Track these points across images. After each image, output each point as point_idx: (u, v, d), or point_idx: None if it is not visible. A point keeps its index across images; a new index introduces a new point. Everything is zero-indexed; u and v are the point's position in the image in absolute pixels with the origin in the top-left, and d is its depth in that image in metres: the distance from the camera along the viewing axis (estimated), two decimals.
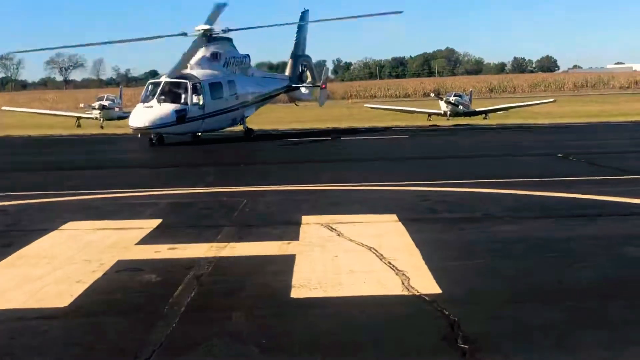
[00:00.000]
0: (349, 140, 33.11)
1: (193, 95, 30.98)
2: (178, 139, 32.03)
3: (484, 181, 16.52)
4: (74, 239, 11.02)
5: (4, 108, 61.00)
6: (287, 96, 42.60)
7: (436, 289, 7.85)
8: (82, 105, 55.39)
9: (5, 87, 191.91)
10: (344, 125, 43.92)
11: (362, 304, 7.50)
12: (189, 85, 31.05)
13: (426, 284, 8.06)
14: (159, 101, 30.27)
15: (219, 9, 34.89)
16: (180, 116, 30.38)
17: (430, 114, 49.19)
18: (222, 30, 34.81)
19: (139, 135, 31.01)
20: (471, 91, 60.72)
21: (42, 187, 17.56)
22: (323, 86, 42.30)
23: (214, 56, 33.85)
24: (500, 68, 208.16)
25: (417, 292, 7.78)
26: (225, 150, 29.39)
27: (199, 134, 32.37)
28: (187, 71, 32.47)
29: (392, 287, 8.01)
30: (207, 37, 33.88)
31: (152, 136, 30.19)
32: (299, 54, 42.33)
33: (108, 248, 10.25)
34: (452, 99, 48.44)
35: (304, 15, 42.82)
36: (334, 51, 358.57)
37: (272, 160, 25.05)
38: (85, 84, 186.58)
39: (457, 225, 11.62)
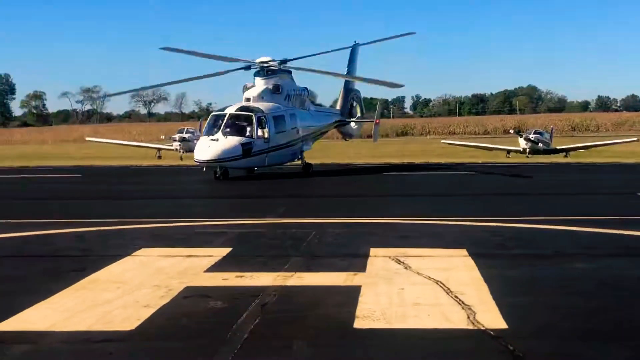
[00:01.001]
0: (421, 175, 32.94)
1: (258, 129, 30.34)
2: (239, 173, 31.47)
3: (559, 218, 16.20)
4: (145, 265, 11.21)
5: (87, 139, 62.76)
6: (337, 131, 41.58)
7: (502, 324, 7.72)
8: (162, 137, 56.58)
9: (91, 119, 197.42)
10: (419, 160, 43.76)
11: (426, 336, 7.42)
12: (254, 118, 30.39)
13: (492, 318, 7.93)
14: (225, 134, 29.60)
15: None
16: (246, 150, 29.74)
17: (509, 151, 48.72)
18: (279, 62, 34.21)
19: (204, 169, 30.18)
20: (552, 129, 59.92)
21: (118, 215, 17.93)
22: (377, 121, 41.64)
23: (276, 89, 33.24)
24: (584, 106, 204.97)
25: (483, 326, 7.66)
26: (292, 183, 29.29)
27: (255, 169, 31.91)
28: (251, 104, 31.93)
29: (457, 320, 7.90)
30: (266, 70, 33.57)
31: (217, 169, 29.44)
32: (349, 88, 41.21)
33: (177, 274, 10.40)
34: (532, 136, 47.92)
35: (354, 48, 41.96)
36: (413, 87, 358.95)
37: (340, 193, 24.99)
38: (168, 117, 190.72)
39: (528, 261, 11.42)
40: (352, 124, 40.85)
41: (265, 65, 33.59)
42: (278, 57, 34.61)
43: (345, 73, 40.88)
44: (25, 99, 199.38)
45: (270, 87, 33.10)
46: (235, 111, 30.83)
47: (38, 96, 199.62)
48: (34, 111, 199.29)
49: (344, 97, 40.62)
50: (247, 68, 34.14)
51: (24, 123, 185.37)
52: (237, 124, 30.34)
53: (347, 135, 42.04)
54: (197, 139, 52.02)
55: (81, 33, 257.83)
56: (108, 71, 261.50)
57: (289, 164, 34.72)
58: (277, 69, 33.87)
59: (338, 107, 40.38)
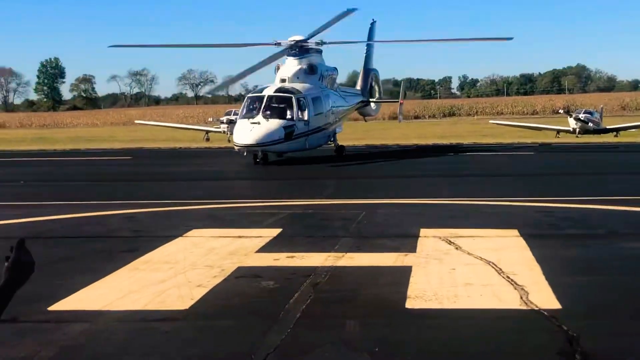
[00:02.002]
0: (471, 156, 32.66)
1: (298, 111, 28.85)
2: (273, 157, 29.77)
3: (611, 198, 16.01)
4: (196, 245, 11.34)
5: (137, 122, 63.41)
6: (357, 112, 39.95)
7: (556, 304, 7.67)
8: (210, 119, 56.82)
9: (139, 102, 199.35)
10: (467, 141, 43.41)
11: (478, 316, 7.41)
12: (294, 100, 28.93)
13: (545, 298, 7.88)
14: (265, 117, 27.94)
15: (342, 16, 32.67)
16: (288, 133, 28.21)
17: (558, 131, 48.02)
18: (316, 43, 32.65)
19: (244, 154, 28.41)
20: (602, 108, 58.88)
21: (169, 197, 18.14)
22: (401, 101, 41.07)
23: (311, 69, 31.70)
24: (634, 85, 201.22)
25: (536, 306, 7.61)
26: (334, 166, 28.89)
27: (283, 154, 30.02)
28: (287, 85, 30.41)
29: (509, 301, 7.87)
30: (299, 48, 31.84)
31: (259, 154, 28.07)
32: (369, 68, 39.72)
33: (229, 255, 10.50)
34: (581, 115, 47.13)
35: (372, 26, 40.45)
36: (460, 67, 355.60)
37: (388, 174, 24.90)
38: (215, 99, 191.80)
39: (580, 241, 11.32)
40: (372, 104, 39.45)
41: (301, 43, 31.91)
42: (297, 35, 32.64)
43: (365, 50, 39.75)
44: (74, 83, 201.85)
45: (304, 67, 31.60)
46: (274, 92, 29.26)
47: (87, 80, 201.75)
48: (84, 95, 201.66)
49: (364, 77, 39.27)
50: (278, 46, 32.20)
51: (73, 106, 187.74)
52: (277, 106, 28.77)
53: (367, 116, 40.95)
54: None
55: (130, 17, 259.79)
56: (156, 53, 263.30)
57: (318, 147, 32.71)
58: (310, 47, 32.28)
59: (358, 87, 39.10)
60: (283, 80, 30.99)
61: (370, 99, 39.09)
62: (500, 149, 36.19)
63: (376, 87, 40.11)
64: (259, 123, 27.65)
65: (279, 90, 29.59)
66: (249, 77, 33.12)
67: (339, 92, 34.45)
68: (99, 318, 7.56)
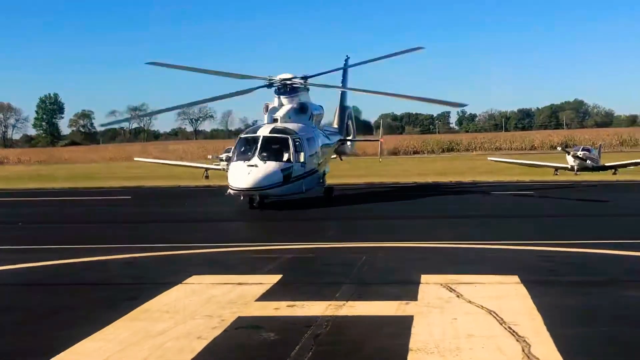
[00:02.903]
0: (470, 195, 32.67)
1: (295, 152, 27.70)
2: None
3: (612, 242, 15.97)
4: (196, 293, 11.28)
5: (136, 159, 63.43)
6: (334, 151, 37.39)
7: (558, 358, 7.62)
8: (209, 157, 56.82)
9: (138, 137, 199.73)
10: (466, 179, 43.49)
11: None
12: (290, 141, 27.81)
13: (548, 352, 7.83)
14: (262, 159, 26.79)
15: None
16: (286, 175, 27.08)
17: (557, 168, 48.16)
18: (301, 78, 31.59)
19: (241, 198, 27.02)
20: (600, 145, 59.13)
21: (169, 240, 18.09)
22: (382, 140, 40.94)
23: (302, 109, 30.89)
24: (632, 120, 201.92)
25: None
26: (334, 208, 28.65)
27: (265, 199, 27.68)
28: (280, 125, 29.23)
29: (511, 354, 7.81)
30: (290, 87, 30.88)
31: (256, 198, 26.77)
32: (345, 105, 38.31)
33: (229, 304, 10.44)
34: (580, 153, 47.27)
35: (346, 62, 39.05)
36: (459, 102, 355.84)
37: (386, 215, 24.83)
38: (214, 134, 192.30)
39: (582, 289, 11.27)
40: (348, 143, 38.07)
41: (289, 82, 31.01)
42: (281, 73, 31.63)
43: (340, 92, 38.27)
44: (73, 118, 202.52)
45: (295, 106, 30.73)
46: (270, 133, 28.11)
47: (86, 115, 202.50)
48: (82, 130, 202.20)
49: (341, 114, 37.90)
50: (269, 86, 31.30)
51: (72, 142, 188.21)
52: (273, 148, 27.64)
53: (342, 154, 38.65)
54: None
55: (128, 54, 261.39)
56: (155, 89, 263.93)
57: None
58: (299, 86, 31.43)
59: (335, 125, 37.56)
60: (275, 120, 29.78)
61: (347, 138, 37.73)
62: (500, 187, 36.23)
63: (351, 125, 38.63)
64: (256, 166, 26.58)
65: (274, 130, 28.47)
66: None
67: (324, 131, 33.50)
68: None
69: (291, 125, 29.37)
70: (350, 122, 38.32)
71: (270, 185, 26.58)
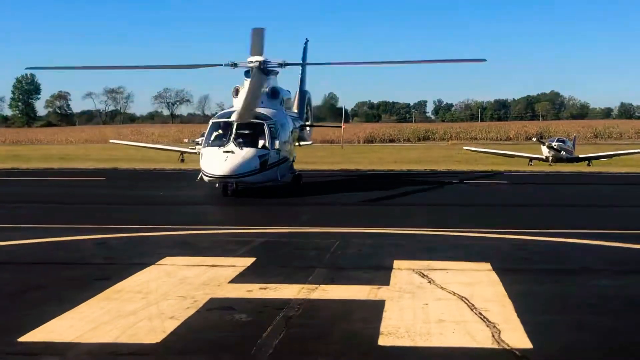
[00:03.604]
0: (446, 184, 32.79)
1: (270, 139, 26.39)
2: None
3: (584, 232, 16.12)
4: (169, 274, 11.26)
5: (111, 141, 63.20)
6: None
7: (527, 344, 7.69)
8: (186, 140, 56.74)
9: (115, 120, 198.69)
10: (441, 167, 43.67)
11: (450, 355, 7.42)
12: (266, 127, 26.47)
13: (517, 337, 7.90)
14: (238, 145, 25.44)
15: (259, 35, 29.38)
16: (263, 162, 25.73)
17: (531, 159, 48.55)
18: (279, 64, 30.29)
19: (217, 185, 25.56)
20: (575, 137, 59.72)
21: (142, 221, 18.03)
22: (343, 126, 40.17)
23: (274, 93, 29.64)
24: (607, 113, 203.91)
25: (508, 346, 7.63)
26: (307, 195, 28.68)
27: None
28: (255, 110, 27.44)
29: (481, 339, 7.88)
30: (263, 70, 28.98)
31: (230, 185, 25.31)
32: (304, 90, 36.53)
33: (202, 285, 10.44)
34: (554, 144, 47.75)
35: (306, 46, 37.76)
36: (435, 91, 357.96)
37: (361, 201, 24.83)
38: (191, 118, 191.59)
39: (553, 277, 11.37)
40: (307, 129, 36.46)
41: (269, 65, 29.34)
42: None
43: (300, 72, 36.64)
44: (49, 99, 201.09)
45: (267, 90, 29.32)
46: (244, 119, 26.42)
47: (63, 96, 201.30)
48: (58, 111, 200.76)
49: (300, 99, 35.93)
50: (234, 66, 29.45)
51: (48, 123, 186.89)
52: (249, 133, 26.26)
53: (302, 141, 36.31)
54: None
55: (106, 34, 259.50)
56: (132, 72, 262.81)
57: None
58: (273, 69, 29.82)
59: (295, 110, 35.18)
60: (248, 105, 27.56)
61: (307, 123, 36.26)
62: (474, 177, 36.42)
63: (310, 111, 37.12)
64: (232, 152, 25.15)
65: (249, 116, 26.67)
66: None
67: (291, 117, 31.86)
68: (69, 351, 7.47)
69: (264, 111, 28.03)
70: (309, 108, 36.76)
71: (247, 173, 25.30)
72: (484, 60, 37.97)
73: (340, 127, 40.12)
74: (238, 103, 28.32)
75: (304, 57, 37.39)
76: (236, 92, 29.60)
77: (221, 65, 29.56)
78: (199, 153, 27.23)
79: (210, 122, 27.67)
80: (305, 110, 35.72)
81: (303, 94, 36.26)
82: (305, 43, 38.01)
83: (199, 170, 26.00)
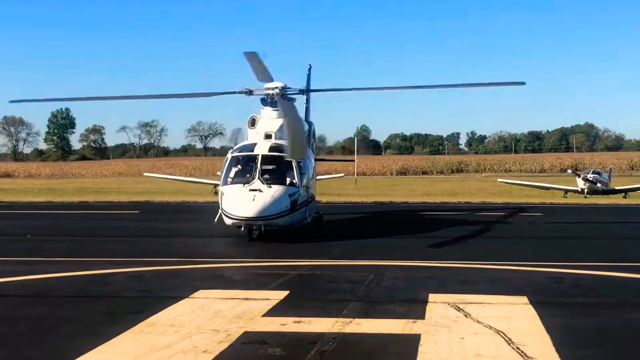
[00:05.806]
0: (480, 216, 32.53)
1: (299, 175, 23.14)
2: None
3: (621, 264, 15.89)
4: (203, 308, 11.22)
5: (145, 174, 63.68)
6: None
7: None
8: (219, 173, 56.85)
9: (148, 153, 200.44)
10: (475, 199, 43.37)
11: None
12: (294, 162, 23.15)
13: None
14: (265, 182, 22.00)
15: (255, 59, 22.58)
16: (293, 201, 22.42)
17: (566, 191, 48.06)
18: (300, 91, 27.10)
19: (242, 228, 21.64)
20: (610, 168, 59.14)
21: (176, 254, 18.05)
22: (356, 160, 38.89)
23: None
24: None
25: None
26: (346, 224, 28.86)
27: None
28: (276, 142, 24.09)
29: None
30: (284, 97, 25.24)
31: (256, 228, 21.52)
32: (309, 121, 31.29)
33: (235, 318, 10.39)
34: (590, 176, 47.25)
35: (309, 72, 33.77)
36: (468, 124, 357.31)
37: (394, 234, 24.60)
38: (224, 151, 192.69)
39: (591, 310, 11.18)
40: (314, 162, 30.61)
41: (289, 91, 25.84)
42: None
43: (305, 101, 32.02)
44: (84, 133, 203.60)
45: None
46: (269, 152, 23.25)
47: (97, 130, 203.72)
48: (93, 145, 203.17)
49: (307, 132, 30.81)
50: (249, 93, 25.76)
51: (82, 157, 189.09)
52: (275, 169, 23.03)
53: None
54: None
55: (140, 70, 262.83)
56: (166, 105, 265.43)
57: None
58: (293, 97, 26.31)
59: None
60: (268, 137, 24.65)
61: (318, 157, 32.43)
62: (509, 208, 36.11)
63: (314, 143, 31.70)
64: (260, 190, 21.73)
65: (272, 149, 23.52)
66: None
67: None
68: None
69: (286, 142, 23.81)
70: (313, 140, 31.49)
71: (278, 214, 21.81)
72: (523, 83, 35.43)
73: (354, 160, 38.68)
74: (254, 135, 25.37)
75: (307, 84, 33.20)
76: (252, 121, 25.93)
77: (235, 92, 26.44)
78: (218, 192, 24.31)
79: (229, 156, 24.12)
80: (310, 142, 29.56)
81: (308, 125, 30.73)
82: (309, 69, 34.37)
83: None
